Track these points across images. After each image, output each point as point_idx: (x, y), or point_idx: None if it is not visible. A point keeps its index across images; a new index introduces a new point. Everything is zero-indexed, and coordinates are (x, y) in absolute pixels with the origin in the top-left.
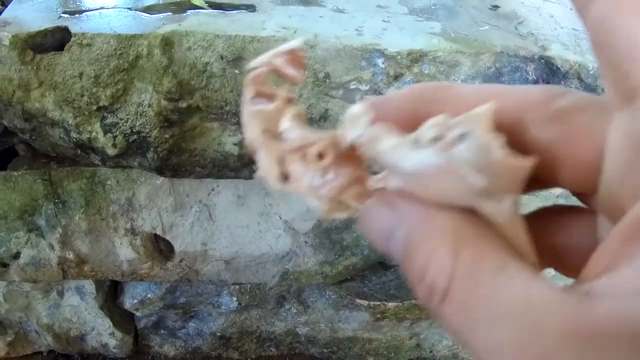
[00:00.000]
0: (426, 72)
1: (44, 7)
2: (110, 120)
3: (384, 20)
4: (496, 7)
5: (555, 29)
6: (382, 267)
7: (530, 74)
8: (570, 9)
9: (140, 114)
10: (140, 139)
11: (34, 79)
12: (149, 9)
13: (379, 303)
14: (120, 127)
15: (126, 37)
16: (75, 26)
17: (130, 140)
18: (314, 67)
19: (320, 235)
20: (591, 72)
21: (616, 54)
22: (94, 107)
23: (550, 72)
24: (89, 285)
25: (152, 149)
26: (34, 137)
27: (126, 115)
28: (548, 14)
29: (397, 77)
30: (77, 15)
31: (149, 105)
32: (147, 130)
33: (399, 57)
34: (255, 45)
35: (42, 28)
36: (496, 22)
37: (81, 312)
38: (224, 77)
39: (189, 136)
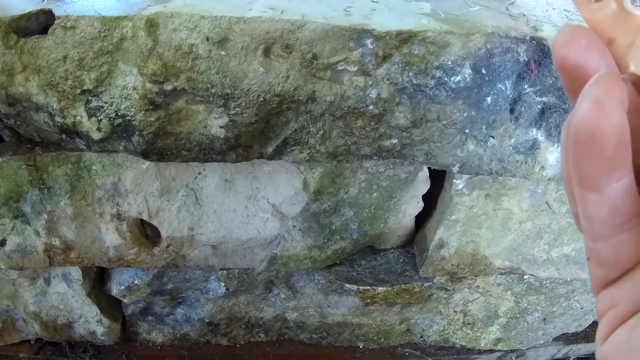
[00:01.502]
0: (415, 52)
1: None
2: (94, 103)
3: (372, 1)
4: None
5: (547, 10)
6: (371, 252)
7: (522, 54)
8: None
9: (125, 97)
10: (125, 123)
11: (18, 63)
12: None
13: (368, 288)
14: (104, 110)
15: (110, 19)
16: (59, 9)
17: (115, 124)
18: (301, 48)
19: (308, 219)
20: None
21: None
22: (78, 91)
23: (541, 53)
24: (76, 272)
25: (137, 133)
26: (18, 123)
27: (111, 98)
28: None
29: (385, 58)
30: None
31: (134, 88)
32: (132, 113)
33: (387, 37)
34: (242, 26)
35: (26, 12)
36: (487, 2)
37: (68, 299)
38: (209, 58)
39: (175, 119)
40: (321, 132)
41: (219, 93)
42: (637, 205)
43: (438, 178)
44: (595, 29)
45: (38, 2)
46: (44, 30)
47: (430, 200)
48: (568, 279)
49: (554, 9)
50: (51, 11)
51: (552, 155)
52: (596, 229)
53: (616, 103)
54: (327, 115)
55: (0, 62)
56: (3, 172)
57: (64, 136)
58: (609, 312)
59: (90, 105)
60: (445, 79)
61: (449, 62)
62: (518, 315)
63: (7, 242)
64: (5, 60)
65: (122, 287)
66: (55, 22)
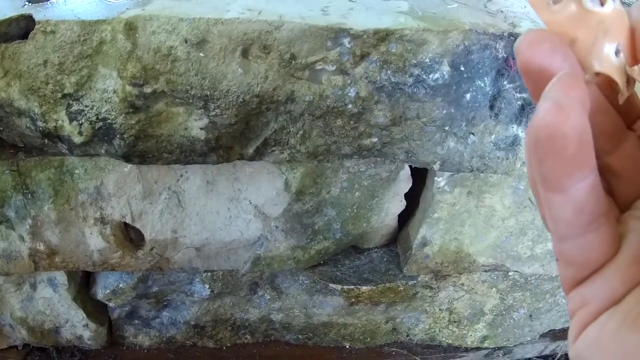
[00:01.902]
0: (393, 50)
1: None
2: (75, 107)
3: (350, 0)
4: None
5: (525, 6)
6: (355, 251)
7: (500, 51)
8: None
9: (105, 101)
10: (106, 126)
11: (0, 69)
12: None
13: (352, 287)
14: (85, 114)
15: (89, 23)
16: (39, 14)
17: (96, 128)
18: (279, 48)
19: (291, 219)
20: None
21: None
22: (59, 95)
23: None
24: (61, 277)
25: (118, 136)
26: (1, 128)
27: (91, 102)
28: None
29: (363, 57)
30: (41, 2)
31: (114, 91)
32: (113, 116)
33: (365, 36)
34: (220, 28)
35: (7, 17)
36: (465, 0)
37: (54, 304)
38: (188, 60)
39: (155, 122)
40: (301, 132)
41: (199, 95)
42: (603, 205)
43: (420, 176)
44: (557, 31)
45: (18, 8)
46: (24, 35)
47: (413, 198)
48: (553, 275)
49: None
50: (31, 16)
51: None
52: (562, 229)
53: (576, 103)
54: (306, 115)
55: None
56: None
57: (46, 141)
58: (580, 310)
59: (71, 109)
60: (424, 76)
61: (427, 60)
62: (504, 312)
63: None
64: None
65: (108, 291)
66: (36, 27)
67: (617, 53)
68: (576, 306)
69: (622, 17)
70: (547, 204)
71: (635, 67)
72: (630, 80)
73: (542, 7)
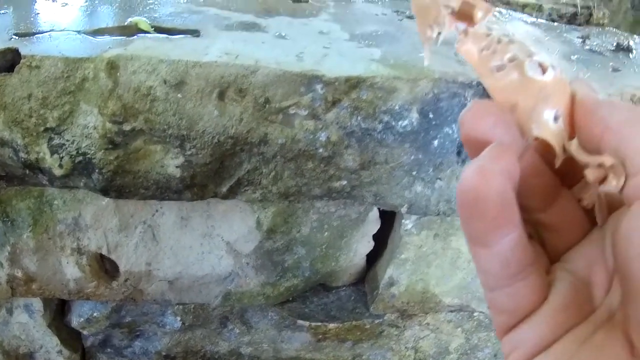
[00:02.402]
0: (364, 97)
1: None
2: (57, 141)
3: (324, 47)
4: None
5: None
6: (323, 289)
7: (469, 99)
8: (513, 35)
9: (85, 136)
10: (86, 160)
11: None
12: (97, 32)
13: (320, 324)
14: (66, 148)
15: (73, 60)
16: (26, 48)
17: (76, 162)
18: (254, 92)
19: (261, 256)
20: None
21: None
22: (42, 128)
23: (488, 97)
24: (37, 303)
25: (97, 170)
26: None
27: (72, 136)
28: None
29: (334, 103)
30: (28, 37)
31: (94, 128)
32: (93, 151)
33: (337, 83)
34: (198, 70)
35: None
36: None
37: (30, 329)
38: (166, 100)
39: (133, 158)
40: (273, 173)
41: (176, 134)
42: (529, 256)
43: (388, 218)
44: (499, 97)
45: (6, 40)
46: (10, 68)
47: (381, 239)
48: None
49: None
50: (17, 50)
51: None
52: (490, 281)
53: (498, 169)
54: (278, 157)
55: None
56: None
57: (27, 171)
58: (512, 354)
59: (53, 142)
60: (393, 123)
61: (397, 107)
62: (469, 351)
63: None
64: None
65: (82, 319)
66: (22, 61)
67: (556, 119)
68: (509, 350)
69: (563, 85)
70: (475, 257)
71: (573, 141)
72: (567, 145)
73: (486, 73)
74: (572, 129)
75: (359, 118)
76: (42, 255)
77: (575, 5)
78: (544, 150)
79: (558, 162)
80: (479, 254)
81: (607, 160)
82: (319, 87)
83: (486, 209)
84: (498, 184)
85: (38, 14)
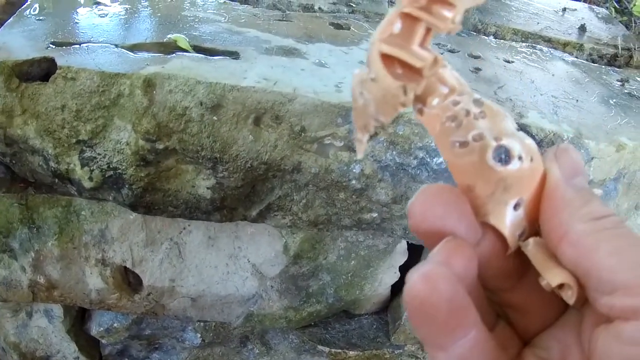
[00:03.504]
0: (400, 133)
1: (33, 35)
2: (88, 154)
3: None
4: (478, 69)
5: (534, 96)
6: (346, 316)
7: None
8: (553, 75)
9: (117, 151)
10: (116, 175)
11: (18, 106)
12: (134, 47)
13: (340, 351)
14: (97, 161)
15: (110, 75)
16: (62, 58)
17: (106, 175)
18: (291, 120)
19: (286, 280)
20: (565, 141)
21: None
22: (74, 140)
23: None
24: (57, 310)
25: (127, 186)
26: (14, 162)
27: (104, 150)
28: (529, 79)
29: (371, 136)
30: (64, 47)
31: (127, 144)
32: (124, 167)
33: None
34: (235, 94)
35: (30, 57)
36: (476, 85)
37: (48, 334)
38: (201, 122)
39: (164, 176)
40: (304, 201)
41: (209, 156)
42: (492, 352)
43: (415, 250)
44: (456, 175)
45: (42, 49)
46: (45, 77)
47: (407, 270)
48: None
49: (541, 94)
50: (54, 60)
51: None
52: None
53: (447, 275)
54: (311, 185)
55: (0, 104)
56: None
57: (56, 180)
58: None
59: (84, 155)
60: (428, 159)
61: (432, 144)
62: None
63: None
64: (6, 102)
65: (102, 329)
66: (57, 71)
67: (516, 207)
68: None
69: (532, 172)
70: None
71: (530, 240)
72: (525, 233)
73: (447, 147)
74: (537, 214)
75: (394, 152)
76: (66, 263)
77: (616, 47)
78: (499, 237)
79: (509, 252)
80: (436, 357)
81: (559, 278)
82: None
83: (435, 315)
84: (446, 289)
85: (77, 22)
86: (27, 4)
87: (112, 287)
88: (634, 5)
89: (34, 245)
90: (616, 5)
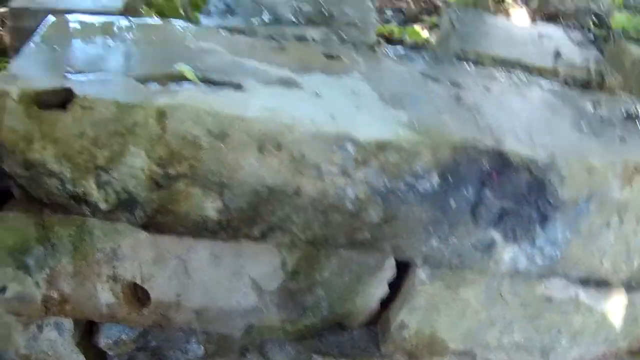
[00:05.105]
0: (391, 160)
1: (49, 64)
2: (104, 178)
3: (356, 107)
4: (459, 97)
5: (512, 122)
6: (339, 328)
7: (485, 164)
8: (529, 101)
9: (132, 176)
10: (131, 198)
11: (37, 132)
12: (145, 77)
13: None
14: (113, 185)
15: (125, 105)
16: (79, 88)
17: (121, 198)
18: (291, 147)
19: (284, 295)
20: (541, 166)
21: None
22: (91, 165)
23: (503, 164)
24: (68, 323)
25: (140, 208)
26: (30, 184)
27: (119, 175)
28: (507, 105)
29: (364, 163)
30: (80, 75)
31: (141, 169)
32: (137, 190)
33: (367, 145)
34: (241, 124)
35: (49, 87)
36: (458, 111)
37: (58, 347)
38: (210, 150)
39: (175, 199)
40: (303, 222)
41: (217, 181)
42: None
43: (403, 265)
44: None
45: (59, 78)
46: (62, 104)
47: (395, 285)
48: None
49: (518, 120)
50: (71, 90)
51: (506, 253)
52: None
53: None
54: (309, 207)
55: (21, 130)
56: (12, 227)
57: (72, 201)
58: None
59: (101, 179)
60: (415, 184)
61: (419, 170)
62: None
63: (7, 289)
64: (26, 128)
65: (110, 341)
66: (75, 100)
67: None
68: None
69: None
70: None
71: None
72: None
73: None
74: None
75: (385, 178)
76: (79, 280)
77: (589, 71)
78: None
79: None
80: None
81: None
82: (350, 147)
83: None
84: None
85: (87, 52)
86: (37, 32)
87: (122, 302)
88: (613, 18)
89: (49, 262)
90: (594, 20)
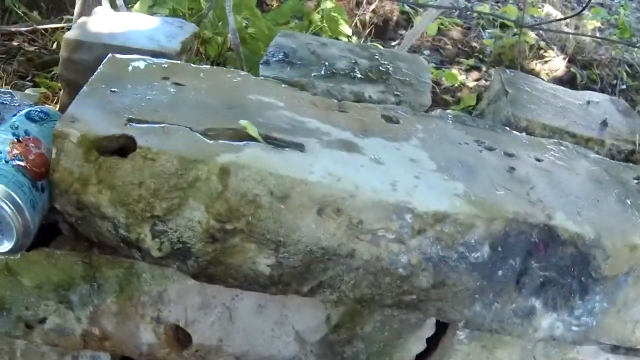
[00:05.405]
0: (446, 230)
1: (109, 109)
2: (160, 227)
3: (415, 176)
4: (513, 169)
5: (561, 197)
6: None
7: (534, 236)
8: (577, 174)
9: (189, 228)
10: (185, 248)
11: (94, 177)
12: (208, 131)
13: None
14: (168, 235)
15: (188, 160)
16: (141, 138)
17: (175, 248)
18: (350, 213)
19: (324, 346)
20: (587, 242)
21: None
22: (148, 214)
23: (550, 238)
24: (105, 357)
25: (193, 258)
26: (79, 222)
27: (176, 226)
28: (557, 179)
29: (420, 232)
30: (142, 125)
31: (199, 222)
32: (193, 242)
33: (425, 215)
34: (302, 188)
35: (110, 134)
36: (511, 185)
37: None
38: (270, 209)
39: (229, 252)
40: (353, 282)
41: (273, 239)
42: None
43: (442, 323)
44: None
45: (121, 125)
46: (119, 151)
47: (433, 341)
48: None
49: (567, 195)
50: (133, 138)
51: (545, 321)
52: None
53: None
54: (361, 269)
55: (77, 172)
56: (59, 264)
57: (122, 244)
58: None
59: (156, 228)
60: (467, 254)
61: (472, 241)
62: None
63: (47, 321)
64: (83, 171)
65: None
66: (137, 150)
67: None
68: None
69: None
70: None
71: None
72: None
73: None
74: None
75: (438, 247)
76: (122, 319)
77: (634, 143)
78: None
79: None
80: None
81: None
82: (408, 217)
83: None
84: None
85: (149, 98)
86: (97, 72)
87: (163, 343)
88: None
89: (94, 300)
90: (627, 69)
